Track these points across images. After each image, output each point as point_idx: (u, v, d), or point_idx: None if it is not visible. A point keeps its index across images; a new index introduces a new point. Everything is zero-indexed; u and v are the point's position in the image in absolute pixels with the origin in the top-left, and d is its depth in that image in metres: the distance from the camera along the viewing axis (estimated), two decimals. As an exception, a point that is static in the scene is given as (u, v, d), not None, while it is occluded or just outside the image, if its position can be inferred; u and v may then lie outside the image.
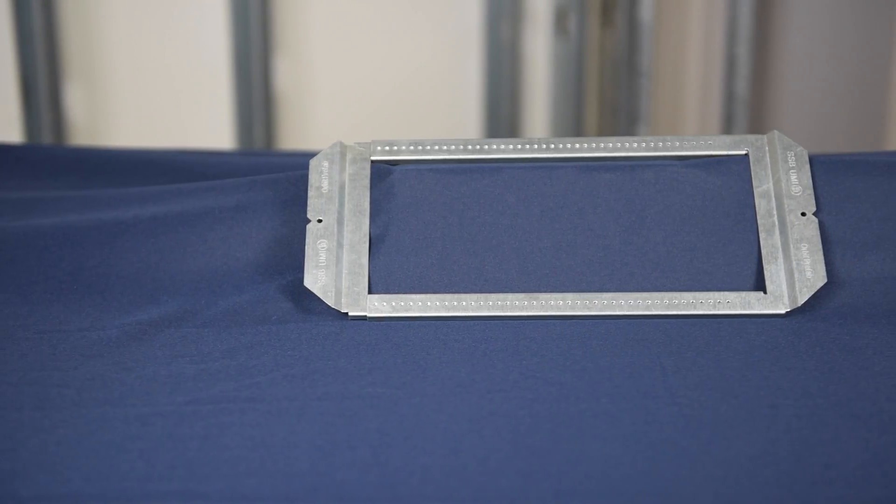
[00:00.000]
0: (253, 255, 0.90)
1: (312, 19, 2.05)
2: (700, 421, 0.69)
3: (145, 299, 0.88)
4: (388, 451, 0.66)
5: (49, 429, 0.69)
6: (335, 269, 0.86)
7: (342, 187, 0.89)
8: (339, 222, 0.88)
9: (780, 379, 0.74)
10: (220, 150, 1.23)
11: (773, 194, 0.88)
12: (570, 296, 0.86)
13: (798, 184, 0.88)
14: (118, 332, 0.84)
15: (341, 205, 0.89)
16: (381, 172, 0.91)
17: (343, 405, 0.72)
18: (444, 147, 0.91)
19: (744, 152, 0.90)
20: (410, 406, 0.72)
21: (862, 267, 0.87)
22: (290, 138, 2.09)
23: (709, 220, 0.88)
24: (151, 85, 2.04)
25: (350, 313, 0.85)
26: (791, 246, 0.86)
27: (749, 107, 2.14)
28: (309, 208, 0.88)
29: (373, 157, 0.91)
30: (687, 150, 0.90)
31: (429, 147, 0.91)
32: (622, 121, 2.14)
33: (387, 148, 0.91)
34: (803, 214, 0.87)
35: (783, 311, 0.85)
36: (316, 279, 0.86)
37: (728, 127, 2.13)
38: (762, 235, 0.87)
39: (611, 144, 0.91)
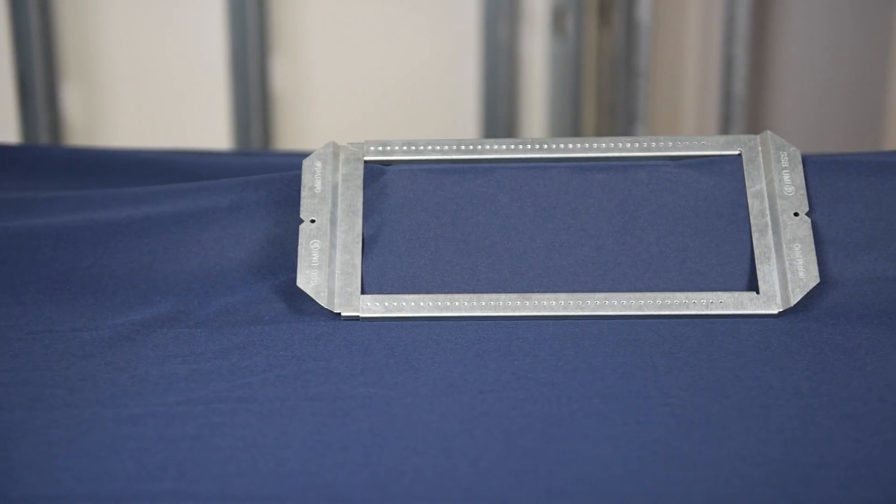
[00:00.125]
0: (246, 255, 0.90)
1: (310, 19, 2.05)
2: (691, 421, 0.69)
3: (138, 299, 0.88)
4: (380, 451, 0.66)
5: (40, 429, 0.69)
6: (328, 269, 0.86)
7: (335, 188, 0.89)
8: (332, 222, 0.88)
9: (772, 379, 0.74)
10: (214, 151, 1.23)
11: (765, 194, 0.88)
12: (562, 296, 0.86)
13: (791, 184, 0.88)
14: (111, 332, 0.84)
15: (334, 205, 0.89)
16: (374, 173, 0.91)
17: (335, 405, 0.72)
18: (438, 147, 0.91)
19: (737, 152, 0.90)
20: (402, 406, 0.72)
21: (854, 267, 0.87)
22: (288, 138, 2.09)
23: (702, 221, 0.88)
24: (148, 85, 2.04)
25: (343, 314, 0.85)
26: (784, 246, 0.86)
27: (746, 107, 2.14)
28: (302, 208, 0.88)
29: (366, 158, 0.91)
30: (680, 150, 0.90)
31: (422, 147, 0.91)
32: (620, 121, 2.14)
33: (380, 148, 0.91)
34: (796, 214, 0.87)
35: (776, 312, 0.85)
36: (309, 279, 0.86)
37: (726, 127, 2.13)
38: (755, 235, 0.87)
39: (604, 145, 0.91)
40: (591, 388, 0.74)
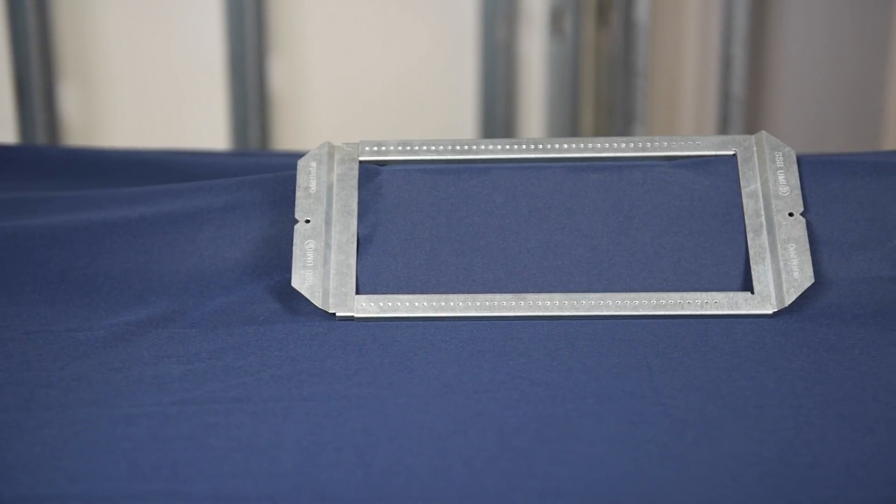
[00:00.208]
0: (241, 255, 0.90)
1: (308, 20, 2.05)
2: (685, 421, 0.69)
3: (133, 300, 0.88)
4: (373, 451, 0.66)
5: (34, 429, 0.69)
6: (323, 269, 0.86)
7: (330, 188, 0.89)
8: (327, 223, 0.88)
9: (766, 379, 0.74)
10: (210, 151, 1.23)
11: (760, 194, 0.88)
12: (557, 296, 0.86)
13: (786, 184, 0.88)
14: (105, 332, 0.84)
15: (329, 205, 0.89)
16: (370, 173, 0.91)
17: (329, 406, 0.72)
18: (433, 147, 0.91)
19: (731, 152, 0.90)
20: (396, 406, 0.72)
21: (849, 267, 0.87)
22: (286, 139, 2.09)
23: (696, 221, 0.88)
24: (146, 85, 2.04)
25: (337, 314, 0.85)
26: (778, 246, 0.86)
27: (745, 107, 2.14)
28: (297, 209, 0.88)
29: (361, 158, 0.91)
30: (675, 150, 0.90)
31: (417, 147, 0.91)
32: (618, 121, 2.14)
33: (375, 148, 0.91)
34: (791, 215, 0.87)
35: (770, 312, 0.85)
36: (303, 279, 0.86)
37: (724, 127, 2.13)
38: (750, 236, 0.87)
39: (599, 145, 0.91)
40: (585, 388, 0.74)
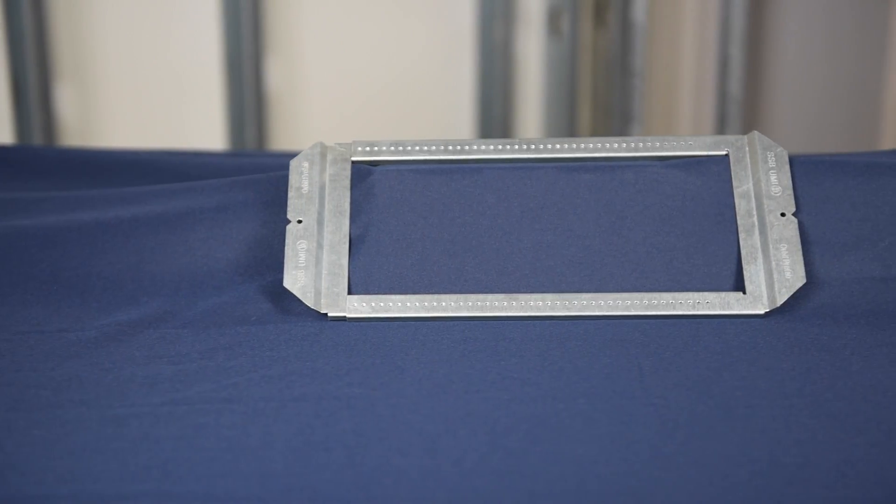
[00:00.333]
0: (233, 255, 0.90)
1: (304, 20, 2.05)
2: (676, 421, 0.69)
3: (125, 300, 0.88)
4: (363, 452, 0.66)
5: (24, 430, 0.69)
6: (315, 269, 0.86)
7: (322, 188, 0.89)
8: (319, 223, 0.88)
9: (757, 379, 0.74)
10: (204, 151, 1.23)
11: (752, 195, 0.88)
12: (549, 296, 0.86)
13: (778, 184, 0.88)
14: (97, 332, 0.84)
15: (321, 205, 0.89)
16: (362, 173, 0.91)
17: (320, 406, 0.72)
18: (425, 148, 0.91)
19: (724, 153, 0.90)
20: (387, 407, 0.72)
21: (841, 267, 0.87)
22: (283, 139, 2.08)
23: (689, 221, 0.88)
24: (143, 85, 2.04)
25: (329, 314, 0.85)
26: (770, 246, 0.86)
27: (743, 107, 2.14)
28: (289, 209, 0.88)
29: (353, 158, 0.91)
30: (667, 150, 0.90)
31: (409, 148, 0.91)
32: (615, 121, 2.13)
33: (367, 148, 0.91)
34: (783, 215, 0.87)
35: (762, 312, 0.85)
36: (295, 280, 0.86)
37: (721, 128, 2.13)
38: (742, 236, 0.87)
39: (591, 145, 0.91)
40: (576, 388, 0.74)
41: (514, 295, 0.86)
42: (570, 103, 2.09)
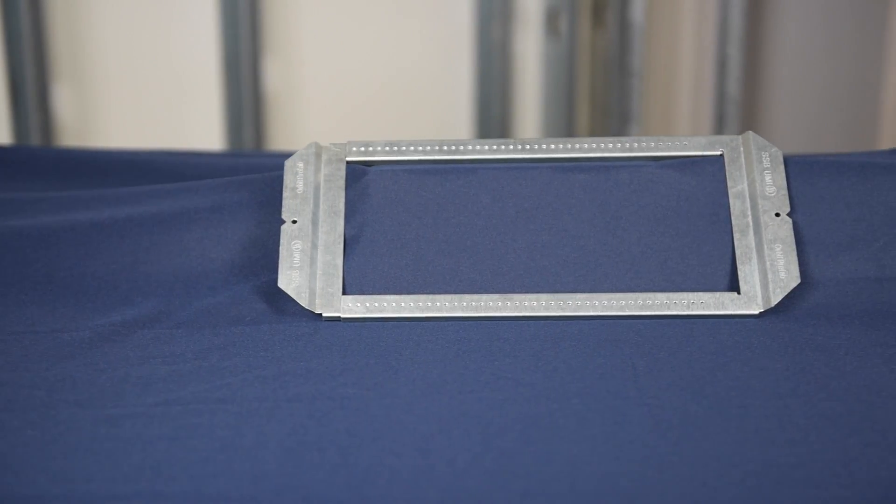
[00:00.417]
0: (228, 255, 0.90)
1: (302, 20, 2.05)
2: (669, 422, 0.69)
3: (120, 300, 0.88)
4: (357, 452, 0.66)
5: (17, 430, 0.69)
6: (309, 269, 0.86)
7: (317, 188, 0.89)
8: (314, 223, 0.88)
9: (751, 379, 0.74)
10: (200, 151, 1.23)
11: (747, 195, 0.88)
12: (543, 296, 0.86)
13: (772, 184, 0.88)
14: (91, 333, 0.84)
15: (316, 206, 0.89)
16: (357, 173, 0.91)
17: (313, 406, 0.72)
18: (420, 148, 0.91)
19: (719, 153, 0.90)
20: (380, 407, 0.72)
21: (835, 267, 0.87)
22: (280, 139, 2.08)
23: (683, 221, 0.88)
24: (141, 86, 2.04)
25: (324, 314, 0.85)
26: (765, 246, 0.86)
27: (741, 107, 2.14)
28: (284, 209, 0.88)
29: (348, 158, 0.91)
30: (662, 150, 0.90)
31: (404, 148, 0.91)
32: (614, 121, 2.13)
33: (362, 149, 0.91)
34: (777, 215, 0.87)
35: (757, 312, 0.85)
36: (290, 280, 0.86)
37: (719, 127, 2.13)
38: (736, 236, 0.87)
39: (586, 145, 0.91)
40: (569, 388, 0.74)
41: (509, 295, 0.86)
42: (568, 103, 2.09)
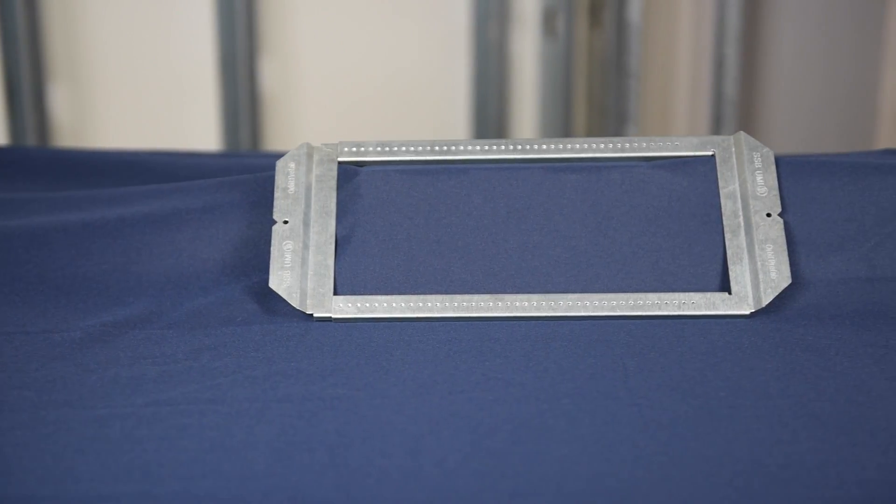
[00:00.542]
0: (219, 256, 0.90)
1: (299, 20, 2.05)
2: (659, 422, 0.69)
3: (111, 301, 0.88)
4: (346, 452, 0.66)
5: (6, 431, 0.69)
6: (301, 270, 0.86)
7: (308, 188, 0.89)
8: (305, 223, 0.88)
9: (741, 379, 0.74)
10: (193, 152, 1.23)
11: (738, 195, 0.88)
12: (535, 297, 0.86)
13: (764, 185, 0.88)
14: (82, 333, 0.84)
15: (307, 206, 0.89)
16: (348, 173, 0.91)
17: (303, 407, 0.72)
18: (412, 148, 0.91)
19: (710, 153, 0.90)
20: (370, 407, 0.72)
21: (826, 268, 0.87)
22: (277, 139, 2.09)
23: (674, 221, 0.88)
24: (137, 85, 2.04)
25: (315, 315, 0.85)
26: (756, 247, 0.86)
27: (738, 107, 2.14)
28: (275, 209, 0.88)
29: (340, 159, 0.91)
30: (654, 150, 0.90)
31: (396, 148, 0.91)
32: (611, 122, 2.14)
33: (354, 149, 0.91)
34: (769, 215, 0.87)
35: (748, 312, 0.85)
36: (281, 280, 0.86)
37: (717, 128, 2.13)
38: (727, 236, 0.87)
39: (578, 146, 0.91)
40: (560, 388, 0.74)
41: (500, 295, 0.86)
42: (565, 103, 2.09)
